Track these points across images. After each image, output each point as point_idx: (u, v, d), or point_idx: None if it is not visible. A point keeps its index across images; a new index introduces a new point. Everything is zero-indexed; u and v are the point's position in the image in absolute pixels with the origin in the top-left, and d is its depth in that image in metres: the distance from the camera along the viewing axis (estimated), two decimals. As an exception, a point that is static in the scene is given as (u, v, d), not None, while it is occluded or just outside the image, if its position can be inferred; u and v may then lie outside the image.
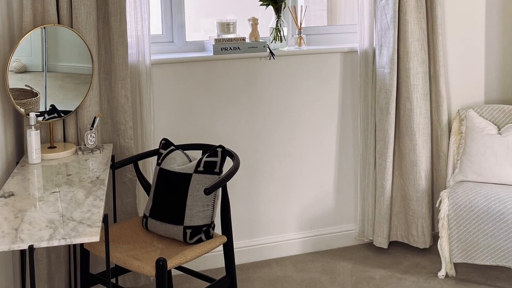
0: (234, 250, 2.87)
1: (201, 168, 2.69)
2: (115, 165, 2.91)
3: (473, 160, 3.44)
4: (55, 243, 1.93)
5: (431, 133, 3.65)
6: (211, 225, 2.70)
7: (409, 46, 3.49)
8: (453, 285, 3.33)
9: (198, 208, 2.66)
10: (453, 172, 3.54)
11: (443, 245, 3.33)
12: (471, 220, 3.22)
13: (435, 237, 3.68)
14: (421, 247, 3.67)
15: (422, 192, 3.60)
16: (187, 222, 2.65)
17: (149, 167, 3.28)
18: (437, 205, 3.44)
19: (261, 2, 3.53)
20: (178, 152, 2.86)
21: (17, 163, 2.76)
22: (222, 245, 2.75)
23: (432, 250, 3.68)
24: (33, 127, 2.69)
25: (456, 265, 3.43)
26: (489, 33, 3.83)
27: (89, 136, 2.90)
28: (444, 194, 3.35)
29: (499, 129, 3.49)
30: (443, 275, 3.40)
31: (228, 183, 2.75)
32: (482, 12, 3.81)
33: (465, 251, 3.27)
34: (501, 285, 3.32)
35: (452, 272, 3.38)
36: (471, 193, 3.27)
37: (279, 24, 3.53)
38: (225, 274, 2.79)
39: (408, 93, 3.53)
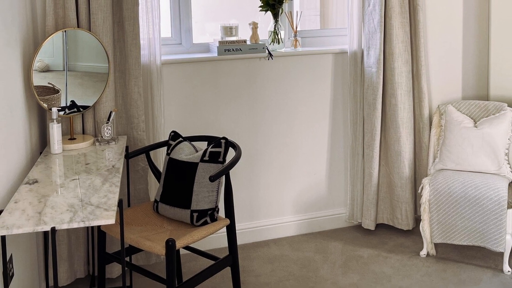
0: (236, 231, 2.87)
1: (206, 158, 2.68)
2: (129, 155, 2.90)
3: (451, 150, 3.43)
4: (75, 225, 1.93)
5: (413, 126, 3.64)
6: (215, 209, 2.69)
7: (394, 47, 3.48)
8: (433, 263, 3.33)
9: (203, 193, 2.65)
10: (434, 161, 3.53)
11: (425, 227, 3.32)
12: (450, 204, 3.22)
13: (417, 219, 3.68)
14: (405, 229, 3.66)
15: (406, 179, 3.59)
16: (194, 206, 2.65)
17: (160, 157, 3.27)
18: (419, 191, 3.43)
19: (261, 8, 3.51)
20: (186, 143, 2.85)
21: (41, 153, 2.76)
22: (225, 227, 2.74)
23: (414, 232, 3.67)
24: (55, 120, 2.68)
25: (436, 245, 3.43)
26: (466, 36, 3.81)
27: (105, 128, 2.89)
28: (425, 181, 3.34)
29: (475, 123, 3.47)
30: (424, 254, 3.39)
31: (231, 171, 2.74)
32: (460, 18, 3.79)
33: (445, 233, 3.26)
34: (476, 263, 3.32)
35: (432, 252, 3.38)
36: (450, 180, 3.26)
37: (276, 28, 3.51)
38: (228, 253, 2.79)
39: (393, 90, 3.52)
